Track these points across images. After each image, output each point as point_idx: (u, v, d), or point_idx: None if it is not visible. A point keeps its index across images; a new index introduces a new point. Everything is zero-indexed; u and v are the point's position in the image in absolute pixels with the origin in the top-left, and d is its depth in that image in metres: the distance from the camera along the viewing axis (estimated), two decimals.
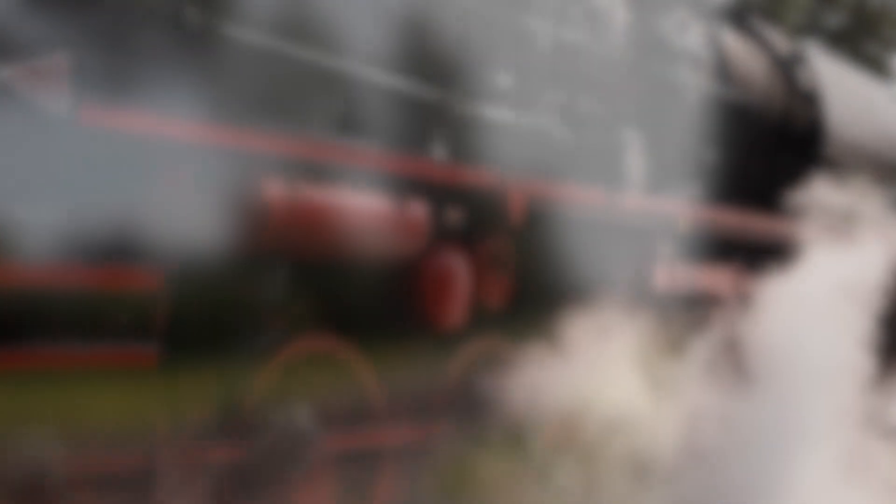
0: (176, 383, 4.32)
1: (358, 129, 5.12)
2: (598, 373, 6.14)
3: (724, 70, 7.93)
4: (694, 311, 6.75)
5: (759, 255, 7.19)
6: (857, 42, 26.35)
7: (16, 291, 3.75)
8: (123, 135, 4.04)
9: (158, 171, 4.19)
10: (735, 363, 6.71)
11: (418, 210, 5.37)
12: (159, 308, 4.18)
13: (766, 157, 7.99)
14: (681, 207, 6.93)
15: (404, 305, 5.49)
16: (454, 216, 5.62)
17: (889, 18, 26.45)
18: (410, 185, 5.35)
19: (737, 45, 8.29)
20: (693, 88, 7.49)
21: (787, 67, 8.60)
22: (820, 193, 6.94)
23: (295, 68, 4.81)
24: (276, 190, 4.67)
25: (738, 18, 8.73)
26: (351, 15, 5.15)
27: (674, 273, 6.80)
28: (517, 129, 6.07)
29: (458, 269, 5.62)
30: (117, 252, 4.02)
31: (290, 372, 4.98)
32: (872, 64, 24.05)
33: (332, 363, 5.22)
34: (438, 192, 5.49)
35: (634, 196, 6.68)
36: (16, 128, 3.75)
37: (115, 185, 4.03)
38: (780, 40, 8.86)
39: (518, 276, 5.89)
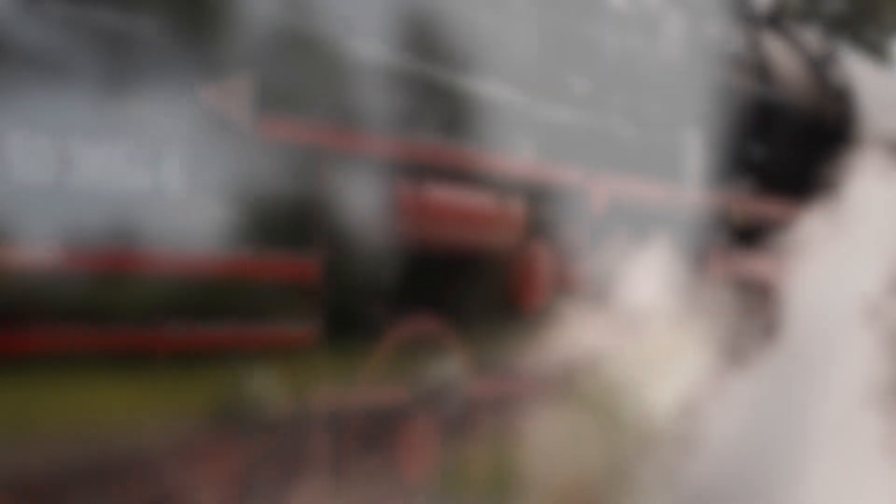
0: (327, 357, 4.97)
1: (467, 135, 5.77)
2: (662, 343, 6.82)
3: (764, 71, 8.57)
4: (747, 293, 7.41)
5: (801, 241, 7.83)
6: (856, 27, 26.77)
7: (212, 280, 4.39)
8: (290, 143, 4.67)
9: (317, 175, 4.82)
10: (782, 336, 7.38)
11: (515, 205, 6.02)
12: (317, 294, 4.82)
13: (805, 152, 8.63)
14: (734, 199, 7.58)
15: (498, 290, 6.14)
16: (544, 210, 6.27)
17: (888, 4, 26.85)
18: (508, 183, 5.99)
19: (774, 47, 8.92)
20: (739, 89, 8.13)
21: (819, 66, 9.24)
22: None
23: (416, 84, 5.45)
24: (404, 190, 5.31)
25: (774, 21, 9.36)
26: (458, 33, 5.78)
27: (728, 259, 7.46)
28: (593, 130, 6.71)
29: (546, 258, 6.27)
30: (288, 245, 4.66)
31: (401, 346, 5.64)
32: (872, 49, 24.52)
33: (433, 340, 5.87)
34: (532, 189, 6.13)
35: (693, 189, 7.33)
36: (210, 139, 4.38)
37: (285, 187, 4.66)
38: (812, 41, 9.50)
39: (597, 262, 6.54)
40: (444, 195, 5.54)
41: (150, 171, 4.14)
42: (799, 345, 7.32)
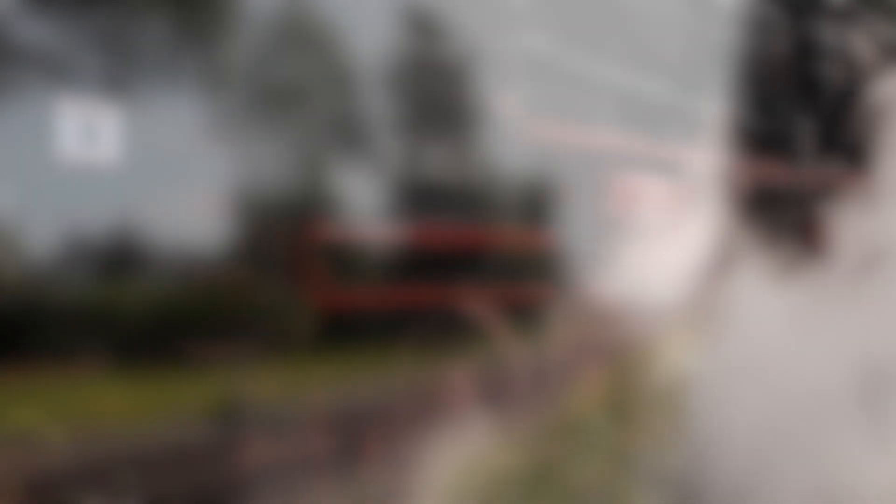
0: (550, 312, 6.18)
1: (646, 127, 6.95)
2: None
3: (848, 61, 9.77)
4: (849, 262, 8.63)
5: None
6: None
7: (481, 250, 5.59)
8: (545, 141, 5.85)
9: (559, 165, 6.00)
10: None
11: (679, 186, 7.21)
12: (550, 258, 6.03)
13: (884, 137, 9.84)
14: (836, 178, 8.79)
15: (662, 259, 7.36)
16: (697, 190, 7.46)
17: None
18: (672, 167, 7.17)
19: (855, 38, 10.10)
20: (833, 80, 9.33)
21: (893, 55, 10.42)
22: None
23: (620, 91, 6.62)
24: (613, 178, 6.50)
25: (853, 14, 10.53)
26: (631, 34, 6.94)
27: (831, 231, 8.68)
28: (729, 120, 7.90)
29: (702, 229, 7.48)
30: (535, 220, 5.86)
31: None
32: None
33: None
34: (693, 172, 7.33)
35: (807, 169, 8.54)
36: (487, 141, 5.55)
37: (539, 175, 5.84)
38: (886, 30, 10.67)
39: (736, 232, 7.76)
40: (637, 180, 6.72)
41: (461, 166, 5.31)
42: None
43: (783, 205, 8.20)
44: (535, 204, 5.83)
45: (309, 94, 4.58)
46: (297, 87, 4.52)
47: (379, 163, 5.02)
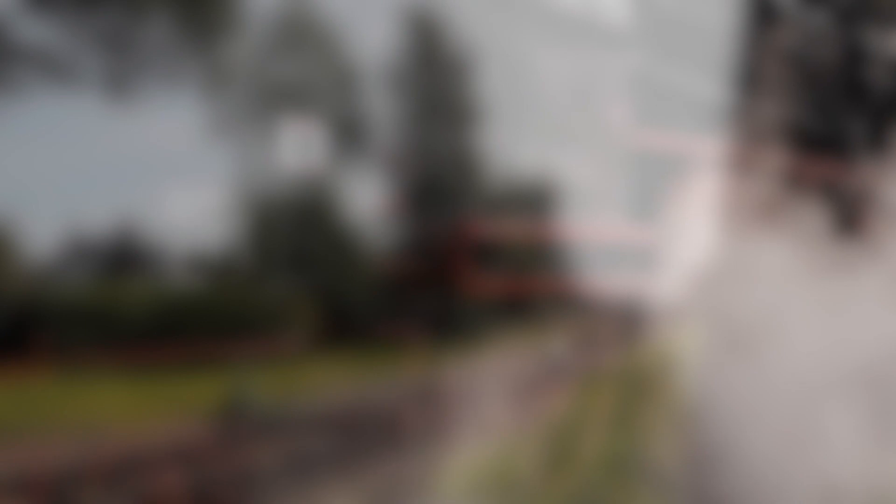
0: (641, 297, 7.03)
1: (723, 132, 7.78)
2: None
3: (888, 63, 10.59)
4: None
5: None
6: None
7: (578, 243, 6.45)
8: (647, 148, 6.70)
9: (661, 171, 6.85)
10: None
11: (752, 184, 8.04)
12: (646, 251, 6.89)
13: None
14: (886, 173, 9.62)
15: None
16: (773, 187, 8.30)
17: None
18: (744, 167, 8.01)
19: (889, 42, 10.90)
20: (882, 82, 10.15)
21: None
22: None
23: (696, 100, 7.45)
24: (689, 179, 7.34)
25: (887, 18, 11.33)
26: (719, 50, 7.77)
27: (881, 223, 9.50)
28: (788, 120, 8.73)
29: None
30: (637, 218, 6.70)
31: None
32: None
33: None
34: (760, 170, 8.16)
35: (859, 166, 9.36)
36: (602, 144, 6.40)
37: (637, 175, 6.69)
38: None
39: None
40: (717, 179, 7.56)
41: (564, 169, 6.17)
42: None
43: (838, 199, 9.07)
44: (638, 203, 6.69)
45: (471, 112, 5.42)
46: (467, 106, 5.37)
47: (514, 169, 5.89)
